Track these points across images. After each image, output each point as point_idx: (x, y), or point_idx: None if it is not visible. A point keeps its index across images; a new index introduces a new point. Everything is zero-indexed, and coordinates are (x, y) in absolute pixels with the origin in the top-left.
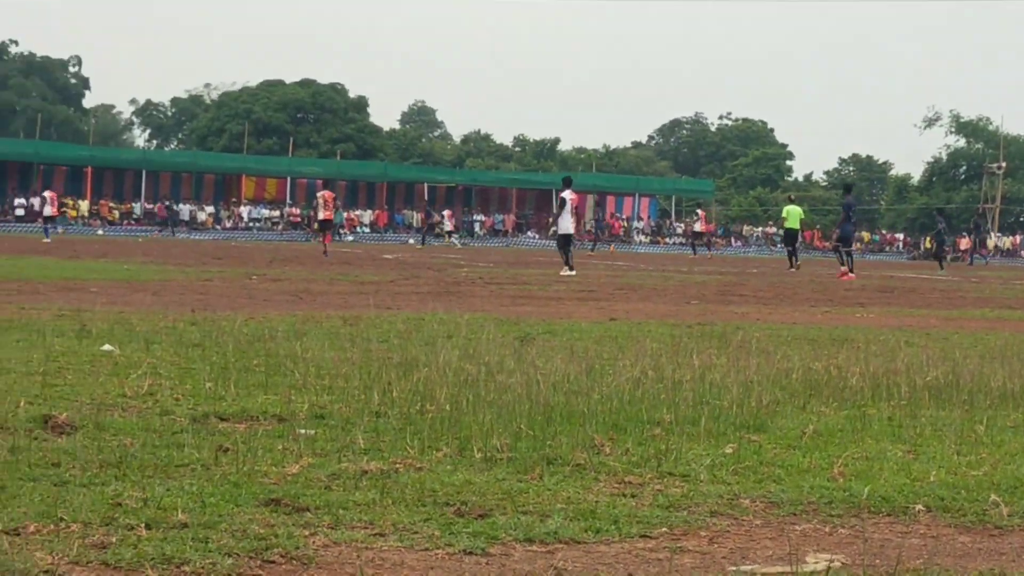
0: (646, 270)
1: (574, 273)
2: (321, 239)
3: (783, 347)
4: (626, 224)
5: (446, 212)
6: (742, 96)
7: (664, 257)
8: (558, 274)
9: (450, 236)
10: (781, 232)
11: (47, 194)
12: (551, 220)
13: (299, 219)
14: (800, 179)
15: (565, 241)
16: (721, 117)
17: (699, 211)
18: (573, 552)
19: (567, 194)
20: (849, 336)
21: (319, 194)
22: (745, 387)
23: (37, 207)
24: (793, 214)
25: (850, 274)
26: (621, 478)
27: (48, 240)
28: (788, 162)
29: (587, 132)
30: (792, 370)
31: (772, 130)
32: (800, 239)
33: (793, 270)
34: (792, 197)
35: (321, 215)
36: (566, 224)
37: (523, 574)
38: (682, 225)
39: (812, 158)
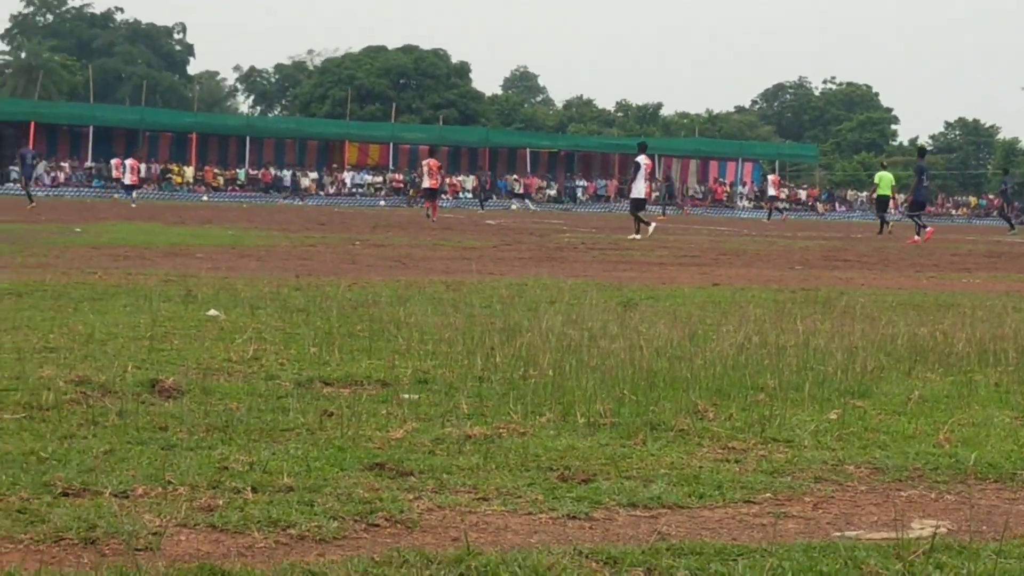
0: (749, 235)
1: (639, 237)
2: (426, 206)
3: (888, 312)
4: (729, 189)
5: (515, 176)
6: (846, 60)
7: (767, 222)
8: (627, 238)
9: (524, 200)
10: (874, 199)
11: (128, 162)
12: (627, 185)
13: (401, 185)
14: (905, 143)
15: (637, 205)
16: (825, 81)
17: (770, 176)
18: (676, 517)
19: (641, 159)
20: (955, 301)
21: (424, 162)
22: (850, 353)
23: (115, 174)
24: (885, 180)
25: (916, 237)
26: (725, 443)
27: (135, 205)
28: (893, 126)
29: (690, 97)
30: (897, 336)
31: (877, 94)
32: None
33: (883, 236)
34: (884, 163)
35: (427, 183)
36: (639, 188)
37: (627, 539)
38: (786, 190)
39: (917, 122)
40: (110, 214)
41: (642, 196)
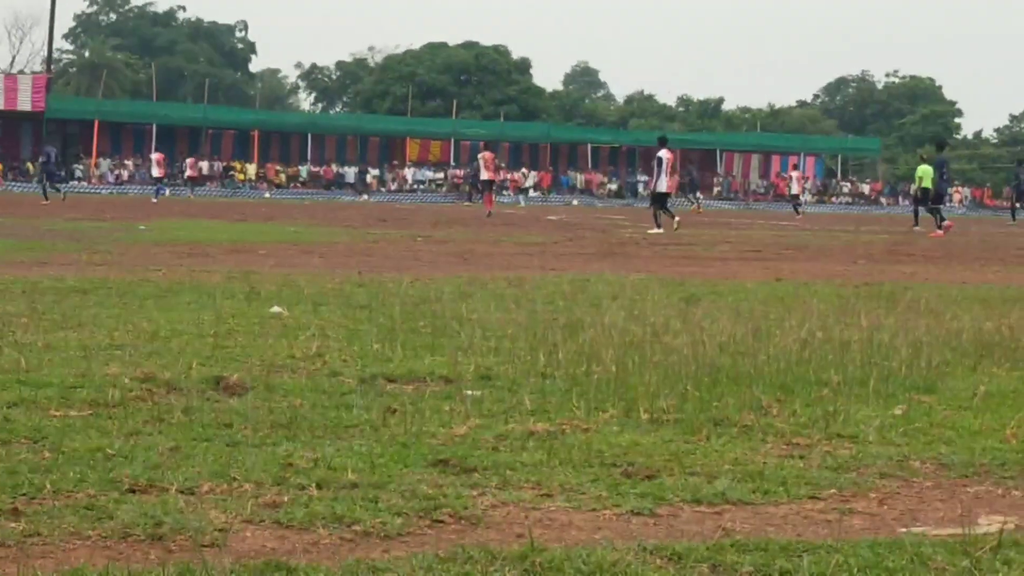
0: (812, 229)
1: (661, 231)
2: (485, 199)
3: (953, 307)
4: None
5: (524, 170)
6: (909, 53)
7: (830, 217)
8: (646, 232)
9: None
10: (918, 192)
11: (154, 156)
12: (651, 180)
13: (461, 180)
14: (969, 136)
15: (660, 200)
16: (888, 74)
17: (794, 172)
18: (741, 513)
19: (663, 153)
20: (1022, 296)
21: (480, 155)
22: (915, 348)
23: (143, 169)
24: (927, 174)
25: (938, 231)
26: (789, 439)
27: (156, 200)
28: (956, 119)
29: (752, 91)
30: (963, 330)
31: (940, 87)
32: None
33: (918, 228)
34: (923, 156)
35: (484, 175)
36: (663, 183)
37: (691, 535)
38: (848, 184)
39: (982, 115)
40: (173, 211)
41: (665, 190)
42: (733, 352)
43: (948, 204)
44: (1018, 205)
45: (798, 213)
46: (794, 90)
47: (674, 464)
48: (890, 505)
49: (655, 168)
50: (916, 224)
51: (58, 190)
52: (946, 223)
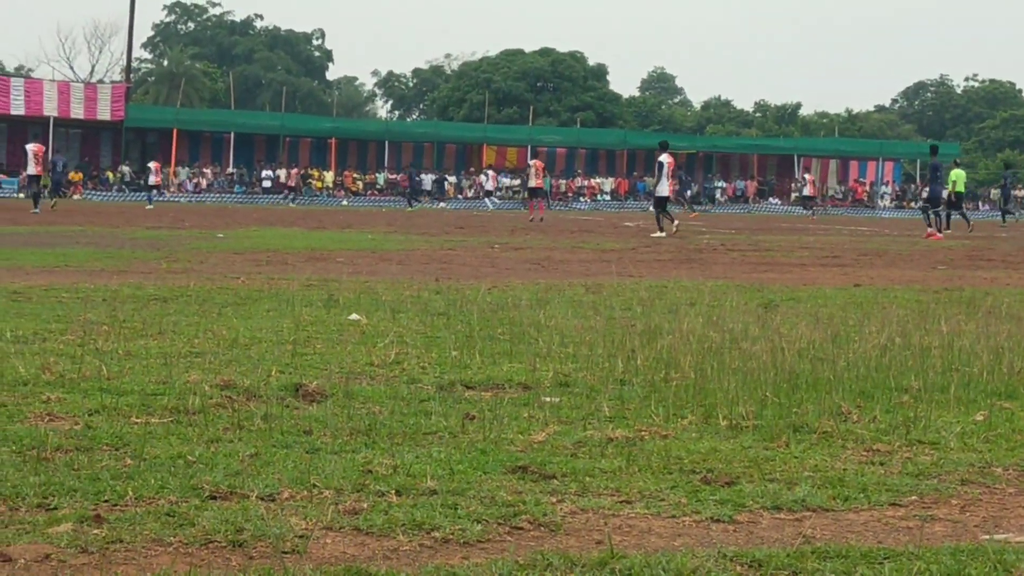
0: (890, 235)
1: (664, 235)
2: (530, 205)
3: None
4: (869, 189)
5: (490, 172)
6: (989, 57)
7: (909, 222)
8: (649, 236)
9: (488, 196)
10: (952, 196)
11: (152, 164)
12: (652, 184)
13: (541, 187)
14: None
15: (661, 203)
16: (967, 79)
17: (807, 175)
18: (821, 520)
19: (664, 158)
20: None
21: (531, 162)
22: (996, 353)
23: (138, 177)
24: (960, 178)
25: (938, 235)
26: (869, 446)
27: (151, 207)
28: None
29: (829, 96)
30: None
31: (1020, 91)
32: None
33: (949, 231)
34: (958, 161)
35: (532, 183)
36: (663, 187)
37: (771, 542)
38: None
39: None
40: (252, 219)
41: (666, 194)
42: (812, 358)
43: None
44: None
45: (813, 215)
46: (872, 95)
47: (753, 470)
48: (972, 512)
49: (656, 172)
50: (947, 227)
51: (63, 195)
52: (934, 232)
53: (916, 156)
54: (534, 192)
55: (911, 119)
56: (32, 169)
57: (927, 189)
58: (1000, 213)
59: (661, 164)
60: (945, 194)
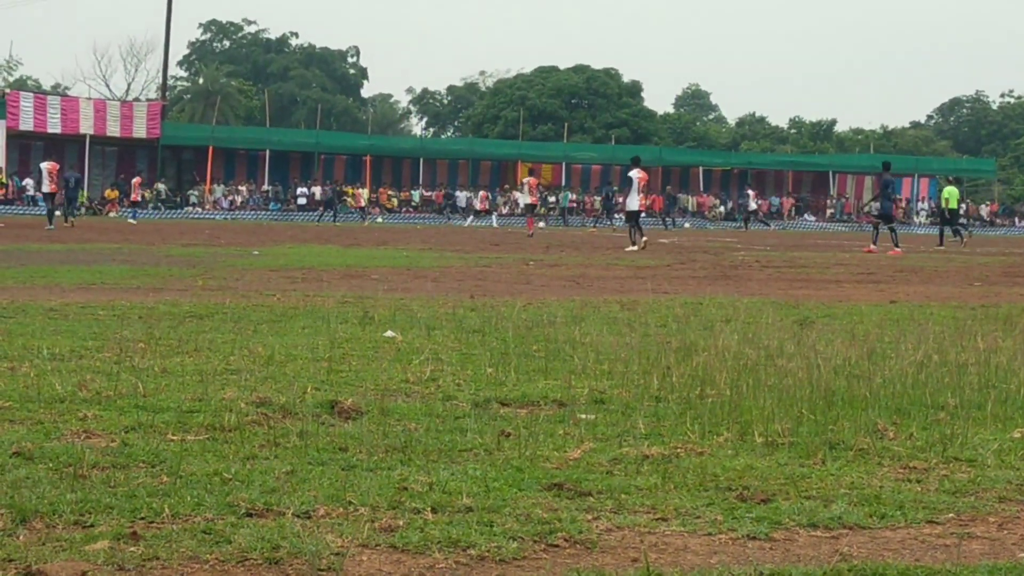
0: (926, 251)
1: (636, 248)
2: (529, 222)
3: None
4: (905, 205)
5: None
6: None
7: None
8: (624, 250)
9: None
10: (946, 212)
11: (133, 180)
12: (621, 199)
13: (575, 204)
14: None
15: (633, 217)
16: (1003, 95)
17: (750, 191)
18: (858, 538)
19: (634, 173)
20: None
21: (525, 180)
22: None
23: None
24: (953, 195)
25: (896, 249)
26: (905, 463)
27: (134, 222)
28: None
29: (864, 112)
30: None
31: None
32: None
33: (943, 247)
34: (950, 179)
35: (528, 199)
36: (633, 202)
37: (808, 559)
38: (963, 205)
39: None
40: (287, 236)
41: (636, 208)
42: (848, 375)
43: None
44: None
45: (746, 227)
46: (908, 111)
47: (790, 488)
48: (1010, 530)
49: (626, 187)
50: (941, 243)
51: (75, 214)
52: (873, 246)
53: (952, 172)
54: (530, 208)
55: (947, 135)
56: (47, 187)
57: (878, 205)
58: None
59: (631, 179)
60: (940, 209)
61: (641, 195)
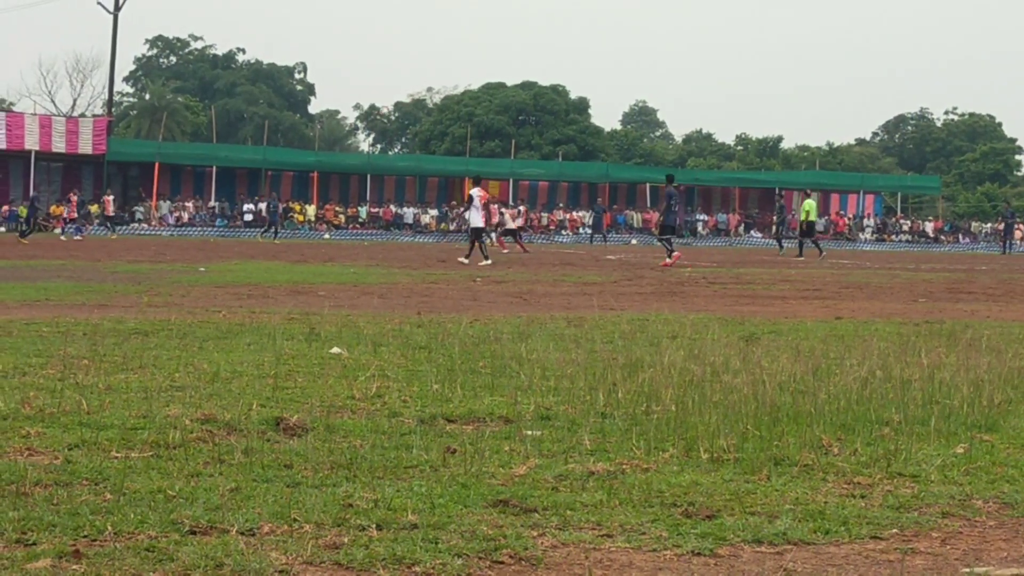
0: (871, 268)
1: (490, 262)
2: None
3: (1015, 345)
4: (851, 222)
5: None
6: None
7: (889, 255)
8: (477, 265)
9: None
10: (803, 225)
11: (72, 197)
12: (461, 215)
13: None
14: None
15: (477, 234)
16: (947, 112)
17: (504, 209)
18: (802, 553)
19: (474, 192)
20: None
21: (475, 192)
22: (976, 386)
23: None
24: (812, 208)
25: (667, 260)
26: (850, 478)
27: (79, 238)
28: (1017, 156)
29: (810, 129)
30: None
31: (1000, 124)
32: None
33: (801, 258)
34: (808, 193)
35: (511, 224)
36: (476, 219)
37: (752, 575)
38: (908, 222)
39: None
40: (233, 253)
41: (481, 225)
42: (793, 391)
43: (1009, 240)
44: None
45: (592, 242)
46: (853, 128)
47: (735, 504)
48: (953, 544)
49: (467, 206)
50: (800, 255)
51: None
52: (675, 254)
53: (897, 189)
54: (512, 232)
55: (892, 152)
56: None
57: (663, 218)
58: (778, 242)
59: (472, 197)
60: (799, 222)
61: (483, 212)
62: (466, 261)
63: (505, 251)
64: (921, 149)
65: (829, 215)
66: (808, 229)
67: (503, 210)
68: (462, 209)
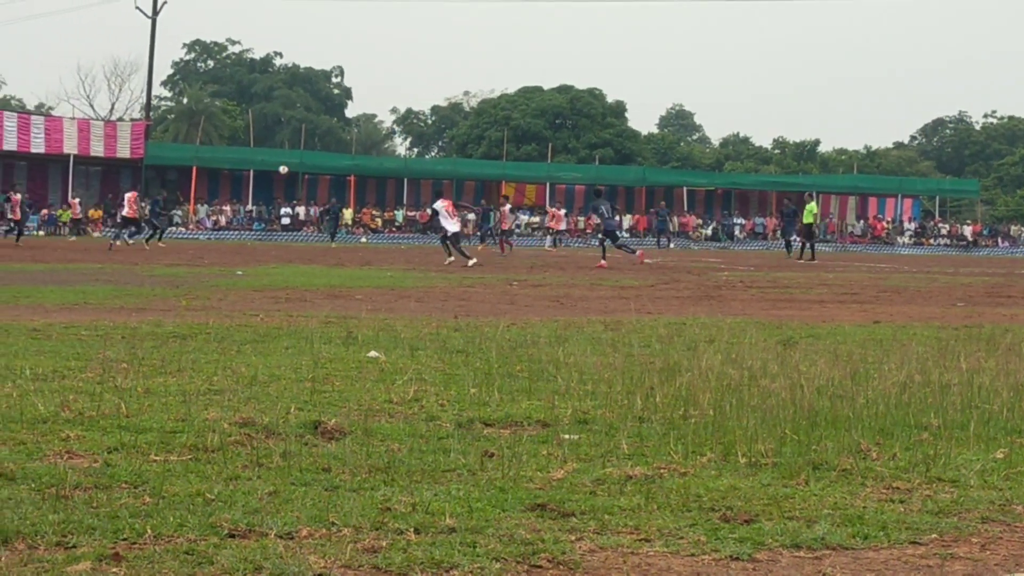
0: (909, 272)
1: (474, 261)
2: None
3: None
4: (889, 226)
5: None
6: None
7: (928, 259)
8: (467, 264)
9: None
10: (801, 228)
11: (13, 196)
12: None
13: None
14: None
15: (455, 239)
16: (986, 115)
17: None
18: (841, 558)
19: (438, 204)
20: None
21: (440, 205)
22: (1016, 390)
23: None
24: (810, 211)
25: (602, 262)
26: (889, 483)
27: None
28: None
29: (848, 133)
30: None
31: None
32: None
33: (802, 261)
34: (809, 195)
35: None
36: (451, 225)
37: None
38: (946, 226)
39: None
40: (270, 257)
41: (457, 230)
42: (831, 395)
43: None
44: (794, 239)
45: (553, 246)
46: (891, 132)
47: (773, 508)
48: (992, 550)
49: (434, 217)
50: (800, 257)
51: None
52: (603, 262)
53: (935, 193)
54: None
55: (930, 156)
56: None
57: (604, 226)
58: (787, 246)
59: (436, 210)
60: (798, 225)
61: (454, 218)
62: (474, 260)
63: (503, 254)
64: (960, 152)
65: (867, 219)
66: (808, 231)
67: (508, 210)
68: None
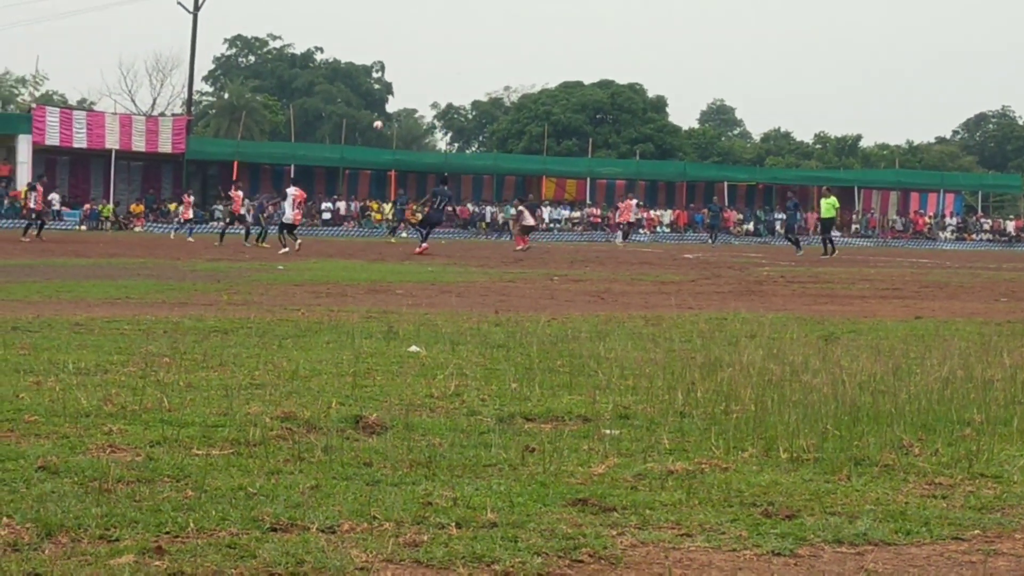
0: (952, 267)
1: (288, 251)
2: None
3: None
4: (931, 221)
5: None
6: None
7: (970, 254)
8: (280, 252)
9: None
10: (818, 222)
11: (186, 197)
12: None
13: (599, 219)
14: None
15: (289, 228)
16: None
17: (631, 201)
18: (883, 554)
19: (290, 190)
20: None
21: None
22: None
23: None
24: (828, 205)
25: (424, 244)
26: (931, 479)
27: (191, 239)
28: None
29: (890, 128)
30: None
31: None
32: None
33: (826, 257)
34: (827, 189)
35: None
36: (288, 215)
37: None
38: (989, 221)
39: None
40: (312, 251)
41: (292, 221)
42: (873, 391)
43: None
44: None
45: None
46: (933, 127)
47: (815, 504)
48: None
49: (281, 202)
50: (825, 253)
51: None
52: (424, 245)
53: (978, 188)
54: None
55: (972, 150)
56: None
57: (428, 213)
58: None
59: (287, 195)
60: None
61: (297, 210)
62: (290, 249)
63: (519, 248)
64: (1003, 147)
65: (909, 214)
66: (826, 226)
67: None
68: (280, 199)
